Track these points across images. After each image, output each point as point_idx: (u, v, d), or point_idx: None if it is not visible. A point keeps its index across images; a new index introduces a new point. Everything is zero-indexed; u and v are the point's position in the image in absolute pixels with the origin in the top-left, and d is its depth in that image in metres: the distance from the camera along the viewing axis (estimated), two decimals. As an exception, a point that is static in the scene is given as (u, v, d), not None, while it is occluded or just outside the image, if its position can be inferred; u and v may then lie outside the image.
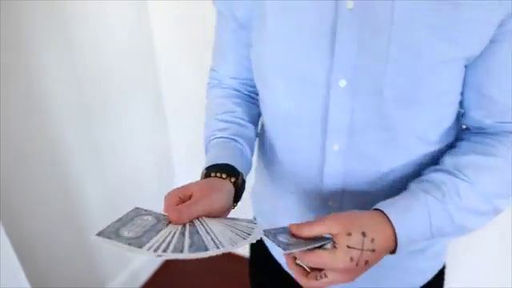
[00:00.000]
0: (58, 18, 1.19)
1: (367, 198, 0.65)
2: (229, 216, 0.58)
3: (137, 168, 1.67)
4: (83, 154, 1.38)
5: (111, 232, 0.48)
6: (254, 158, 0.77)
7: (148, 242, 0.47)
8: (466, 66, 0.57)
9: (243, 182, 0.65)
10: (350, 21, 0.54)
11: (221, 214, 0.57)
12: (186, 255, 0.45)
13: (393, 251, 0.56)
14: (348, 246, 0.51)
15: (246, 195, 0.70)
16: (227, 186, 0.60)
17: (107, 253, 1.60)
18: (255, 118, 0.77)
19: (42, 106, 1.20)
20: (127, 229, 0.50)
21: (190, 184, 0.57)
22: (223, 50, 0.75)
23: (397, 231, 0.54)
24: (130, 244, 0.47)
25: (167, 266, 1.90)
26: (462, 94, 0.61)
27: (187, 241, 0.48)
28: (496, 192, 0.59)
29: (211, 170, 0.63)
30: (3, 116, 1.10)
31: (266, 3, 0.60)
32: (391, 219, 0.54)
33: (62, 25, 1.21)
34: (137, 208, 0.55)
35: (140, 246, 0.46)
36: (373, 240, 0.52)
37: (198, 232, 0.50)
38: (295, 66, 0.60)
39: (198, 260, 0.46)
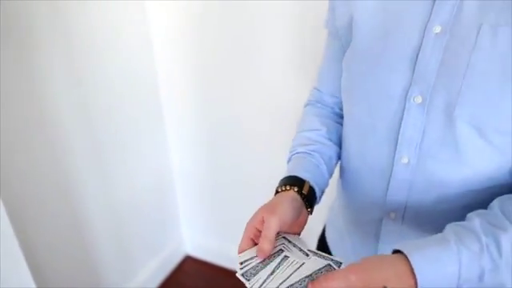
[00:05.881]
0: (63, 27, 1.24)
1: (430, 216, 0.66)
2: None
3: (139, 183, 1.70)
4: (88, 167, 1.43)
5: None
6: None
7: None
8: None
9: (312, 189, 0.69)
10: (434, 43, 0.59)
11: (296, 221, 0.64)
12: None
13: None
14: None
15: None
16: (290, 196, 0.66)
17: (110, 265, 1.63)
18: (341, 139, 0.80)
19: (51, 121, 1.26)
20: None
21: (259, 210, 0.63)
22: (326, 69, 0.81)
23: (418, 284, 0.50)
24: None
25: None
26: None
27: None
28: None
29: (279, 186, 0.69)
30: (15, 133, 1.15)
31: (357, 23, 0.67)
32: (415, 271, 0.50)
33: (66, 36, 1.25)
34: None
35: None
36: None
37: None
38: (376, 80, 0.65)
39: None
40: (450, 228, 0.55)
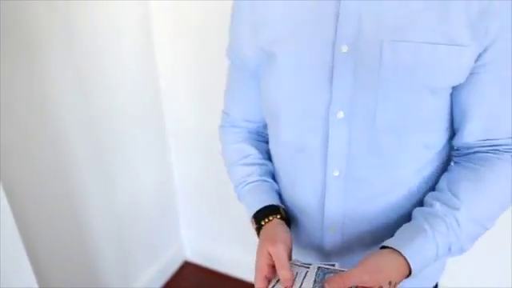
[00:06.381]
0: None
1: (367, 224, 0.72)
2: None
3: (140, 188, 1.70)
4: (88, 169, 1.43)
5: None
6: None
7: None
8: (452, 94, 0.65)
9: (285, 210, 0.75)
10: (345, 62, 0.63)
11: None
12: None
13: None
14: None
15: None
16: (279, 223, 0.71)
17: (110, 269, 1.62)
18: (269, 154, 0.84)
19: (53, 123, 1.26)
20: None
21: (262, 248, 0.67)
22: (236, 95, 0.84)
23: (412, 271, 0.62)
24: None
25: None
26: (451, 117, 0.68)
27: None
28: (488, 216, 0.67)
29: (260, 219, 0.73)
30: (15, 133, 1.15)
31: (273, 53, 0.68)
32: (410, 262, 0.61)
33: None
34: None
35: None
36: (395, 284, 0.61)
37: None
38: (299, 102, 0.68)
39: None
40: (420, 215, 0.66)
